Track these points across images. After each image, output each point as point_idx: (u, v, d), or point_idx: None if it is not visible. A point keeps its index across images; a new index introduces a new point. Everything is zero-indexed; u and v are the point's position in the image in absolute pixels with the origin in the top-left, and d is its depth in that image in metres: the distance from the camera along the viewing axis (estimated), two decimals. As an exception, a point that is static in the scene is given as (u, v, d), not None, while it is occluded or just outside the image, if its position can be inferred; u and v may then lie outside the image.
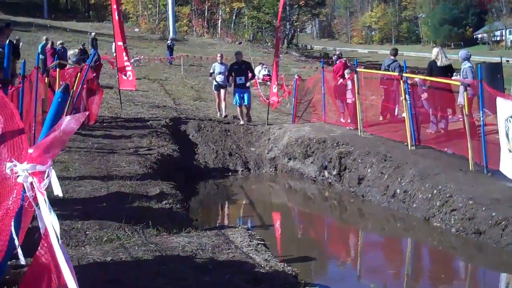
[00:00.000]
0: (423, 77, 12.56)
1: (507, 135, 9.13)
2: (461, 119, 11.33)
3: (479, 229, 8.16)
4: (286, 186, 13.86)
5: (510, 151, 9.16)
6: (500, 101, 9.35)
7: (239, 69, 16.74)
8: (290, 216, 12.13)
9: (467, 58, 12.29)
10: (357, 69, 13.78)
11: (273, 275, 5.47)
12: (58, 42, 23.13)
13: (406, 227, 9.93)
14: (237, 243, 6.37)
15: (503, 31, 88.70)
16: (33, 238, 3.69)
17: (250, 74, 17.02)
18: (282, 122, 17.39)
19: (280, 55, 17.76)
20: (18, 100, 8.29)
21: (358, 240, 10.18)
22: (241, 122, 16.74)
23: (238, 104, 16.86)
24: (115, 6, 16.81)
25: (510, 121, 9.02)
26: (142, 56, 32.84)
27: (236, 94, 16.72)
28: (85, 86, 13.35)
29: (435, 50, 12.78)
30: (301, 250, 8.83)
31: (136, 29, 59.47)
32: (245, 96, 16.66)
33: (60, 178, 2.72)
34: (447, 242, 8.90)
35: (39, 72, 10.62)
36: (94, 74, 15.31)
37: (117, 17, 16.64)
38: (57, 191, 2.21)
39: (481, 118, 9.70)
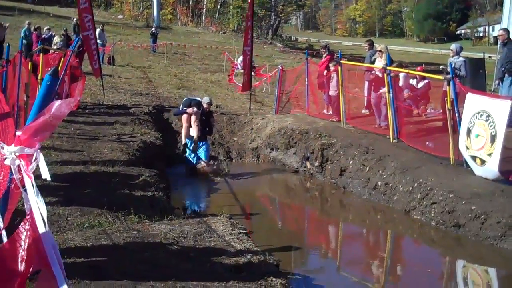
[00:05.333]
0: (407, 71, 12.63)
1: (469, 132, 9.22)
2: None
3: (459, 222, 8.26)
4: (268, 176, 13.88)
5: (467, 148, 9.27)
6: (470, 97, 9.42)
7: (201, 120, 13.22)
8: (271, 206, 12.15)
9: (460, 52, 12.36)
10: (341, 61, 13.80)
11: (255, 264, 5.49)
12: (45, 28, 22.95)
13: (386, 219, 10.01)
14: (219, 231, 6.39)
15: (486, 27, 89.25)
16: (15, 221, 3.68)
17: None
18: (265, 113, 17.37)
19: (248, 44, 17.07)
20: (2, 84, 8.23)
21: (339, 231, 10.24)
22: None
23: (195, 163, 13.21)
24: None
25: (477, 117, 9.08)
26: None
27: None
28: (68, 72, 13.24)
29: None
30: (282, 240, 8.88)
31: (120, 16, 59.02)
32: (203, 150, 13.39)
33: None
34: (426, 234, 9.00)
35: (22, 56, 10.52)
36: (77, 60, 15.19)
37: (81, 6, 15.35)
38: (45, 175, 2.21)
39: (457, 114, 9.79)
